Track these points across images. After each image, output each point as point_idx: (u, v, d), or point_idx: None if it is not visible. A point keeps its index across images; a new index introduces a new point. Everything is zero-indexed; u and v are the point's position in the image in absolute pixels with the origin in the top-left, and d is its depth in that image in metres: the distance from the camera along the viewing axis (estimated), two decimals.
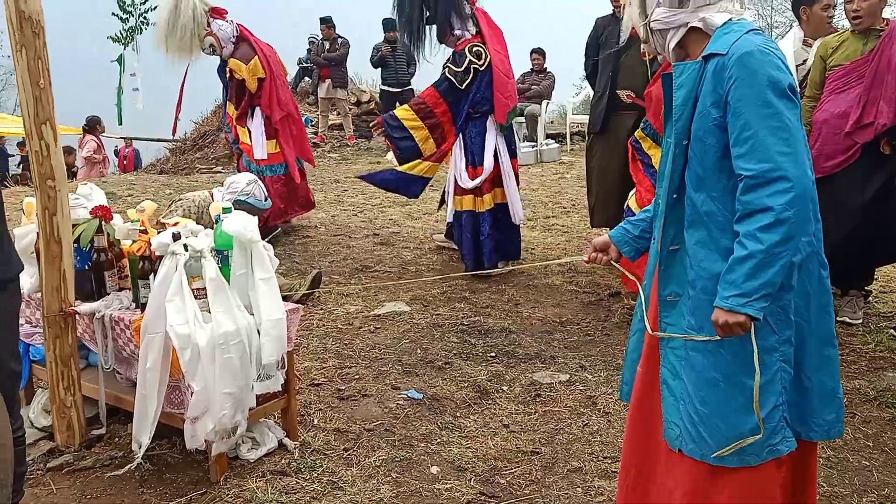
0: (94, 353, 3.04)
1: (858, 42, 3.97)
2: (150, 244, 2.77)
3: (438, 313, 4.63)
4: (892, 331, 4.13)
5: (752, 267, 1.80)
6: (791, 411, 1.98)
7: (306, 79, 14.13)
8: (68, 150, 11.71)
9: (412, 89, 11.45)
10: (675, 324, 2.04)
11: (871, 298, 4.64)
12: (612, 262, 2.37)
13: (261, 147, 6.24)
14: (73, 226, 2.90)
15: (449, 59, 5.26)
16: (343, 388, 3.60)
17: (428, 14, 5.24)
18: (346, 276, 5.37)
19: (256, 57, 6.15)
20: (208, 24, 6.10)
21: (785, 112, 1.82)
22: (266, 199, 4.70)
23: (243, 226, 2.76)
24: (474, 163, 5.24)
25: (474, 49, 5.16)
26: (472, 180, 5.20)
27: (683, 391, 2.00)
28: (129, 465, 2.76)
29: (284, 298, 4.42)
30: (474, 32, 5.27)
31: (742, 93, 1.83)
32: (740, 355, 1.91)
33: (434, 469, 2.90)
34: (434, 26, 5.26)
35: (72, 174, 11.72)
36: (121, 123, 16.79)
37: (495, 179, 5.29)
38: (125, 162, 15.74)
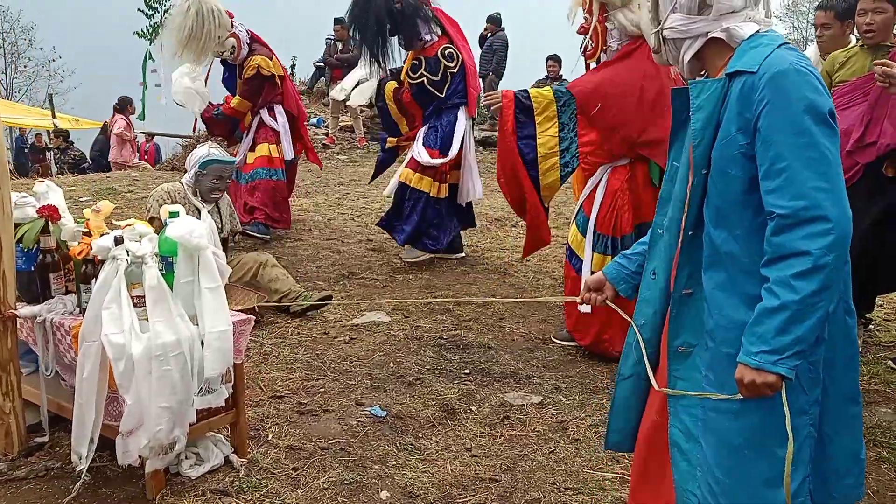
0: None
1: (866, 58, 3.76)
2: (91, 247, 2.65)
3: (419, 325, 4.48)
4: (890, 363, 3.91)
5: (785, 320, 1.57)
6: (813, 479, 1.76)
7: (322, 79, 14.06)
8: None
9: None
10: (688, 378, 1.82)
11: (871, 326, 4.41)
12: (608, 303, 2.16)
13: (289, 146, 6.30)
14: (18, 225, 2.79)
15: (422, 65, 5.30)
16: (305, 401, 3.46)
17: (390, 26, 5.30)
18: (330, 282, 5.24)
19: (275, 56, 6.22)
20: (231, 26, 6.03)
21: (823, 141, 1.59)
22: (231, 156, 4.71)
23: (189, 231, 2.63)
24: (437, 146, 5.37)
25: (446, 52, 5.27)
26: (432, 159, 5.35)
27: (701, 457, 1.78)
28: (78, 482, 2.63)
29: (286, 305, 4.41)
30: (440, 34, 5.34)
31: (774, 118, 1.60)
32: (770, 419, 1.68)
33: (384, 494, 2.75)
34: (396, 37, 5.39)
35: (81, 169, 11.77)
36: (143, 118, 16.88)
37: (454, 165, 5.49)
38: (146, 157, 15.81)
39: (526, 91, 4.02)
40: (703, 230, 1.78)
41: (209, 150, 4.26)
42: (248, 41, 6.18)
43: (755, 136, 1.65)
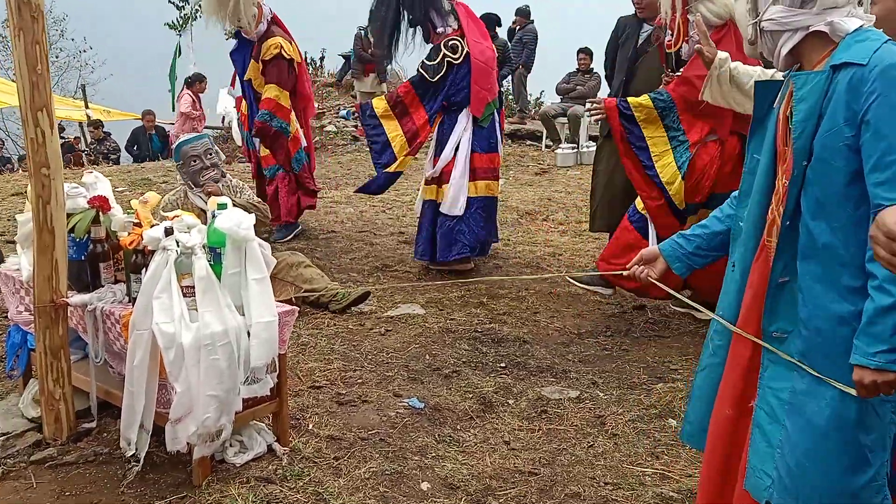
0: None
1: None
2: (142, 237, 2.70)
3: (453, 318, 4.50)
4: None
5: None
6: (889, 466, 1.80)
7: (351, 71, 14.11)
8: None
9: None
10: (781, 362, 1.84)
11: None
12: (652, 278, 2.19)
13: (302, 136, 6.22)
14: (69, 215, 2.85)
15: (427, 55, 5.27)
16: (344, 392, 3.49)
17: (410, 17, 5.22)
18: (364, 274, 5.28)
19: (293, 41, 6.06)
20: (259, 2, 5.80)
21: None
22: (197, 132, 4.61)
23: (237, 223, 2.66)
24: (438, 154, 5.22)
25: (450, 43, 5.14)
26: (433, 168, 5.24)
27: (783, 438, 1.81)
28: (131, 467, 2.72)
29: (322, 302, 4.41)
30: (455, 27, 5.23)
31: (885, 111, 1.61)
32: (860, 408, 1.71)
33: (424, 485, 2.78)
34: (414, 29, 5.27)
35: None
36: (174, 110, 17.06)
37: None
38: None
39: (625, 100, 4.14)
40: (801, 221, 1.78)
41: (178, 140, 4.12)
42: (269, 19, 5.95)
43: (860, 129, 1.66)
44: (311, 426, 3.16)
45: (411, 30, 5.27)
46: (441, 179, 5.23)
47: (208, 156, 3.99)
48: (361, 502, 2.65)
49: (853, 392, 1.69)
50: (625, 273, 2.28)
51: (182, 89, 12.40)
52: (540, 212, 7.27)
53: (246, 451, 2.87)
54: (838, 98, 1.69)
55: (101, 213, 2.88)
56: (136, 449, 2.69)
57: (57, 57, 32.89)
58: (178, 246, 2.63)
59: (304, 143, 6.19)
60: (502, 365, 3.87)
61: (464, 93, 5.15)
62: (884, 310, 1.60)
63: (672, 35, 4.04)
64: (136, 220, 2.84)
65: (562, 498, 2.73)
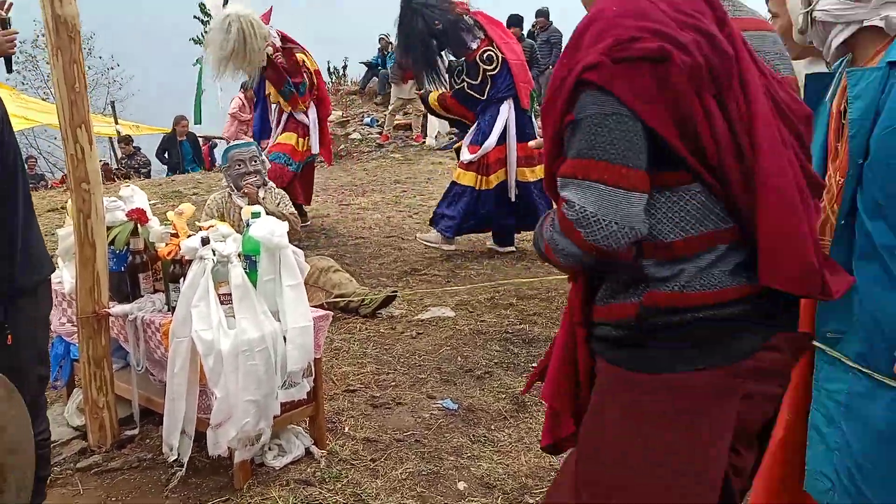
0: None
1: None
2: (180, 248, 2.77)
3: (483, 319, 4.53)
4: None
5: None
6: None
7: (374, 79, 14.22)
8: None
9: None
10: (836, 363, 1.80)
11: None
12: None
13: (316, 140, 6.41)
14: (109, 228, 2.93)
15: (462, 69, 5.57)
16: (378, 395, 3.54)
17: (437, 44, 5.54)
18: (393, 278, 5.33)
19: (308, 53, 6.34)
20: (267, 35, 5.98)
21: None
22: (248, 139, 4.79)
23: (271, 231, 2.73)
24: (478, 141, 5.57)
25: (485, 55, 5.47)
26: (470, 155, 5.59)
27: (841, 440, 1.76)
28: (176, 471, 2.80)
29: (351, 307, 4.49)
30: (482, 37, 5.54)
31: None
32: None
33: (461, 485, 2.81)
34: (446, 48, 5.64)
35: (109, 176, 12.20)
36: (199, 122, 17.30)
37: (502, 160, 5.64)
38: (208, 160, 16.21)
39: None
40: (857, 220, 1.74)
41: (226, 143, 4.35)
42: (281, 43, 6.14)
43: None
44: (347, 429, 3.21)
45: (445, 51, 5.64)
46: (487, 168, 5.60)
47: (253, 162, 4.28)
48: (399, 502, 2.68)
49: None
50: None
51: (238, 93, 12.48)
52: None
53: (285, 454, 2.92)
54: None
55: (139, 225, 2.96)
56: (179, 454, 2.75)
57: (85, 75, 33.57)
58: (214, 255, 2.69)
59: (315, 150, 6.44)
60: (534, 365, 3.88)
61: (510, 91, 5.56)
62: None
63: None
64: (174, 231, 2.91)
65: None
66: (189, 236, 2.82)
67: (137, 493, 2.74)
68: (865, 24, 1.73)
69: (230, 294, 2.67)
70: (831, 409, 1.79)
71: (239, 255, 2.73)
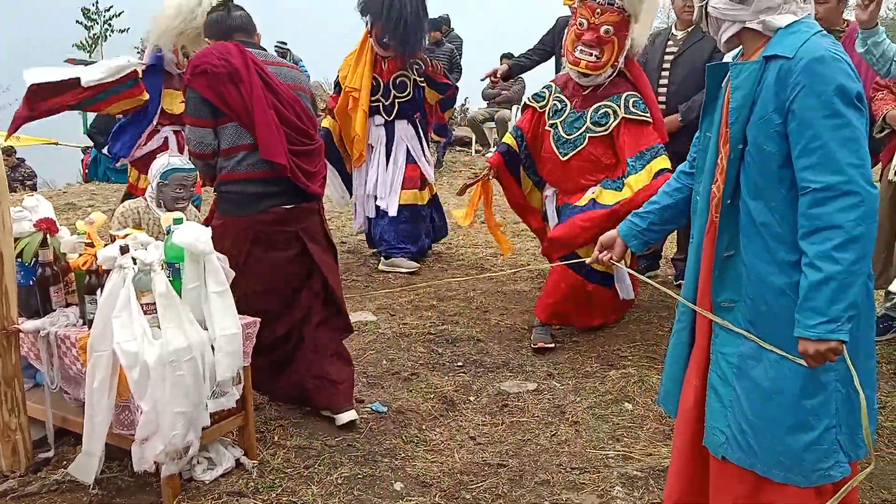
0: (42, 372, 2.90)
1: None
2: (96, 257, 2.65)
3: (405, 322, 4.53)
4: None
5: (835, 290, 1.72)
6: (845, 432, 1.90)
7: None
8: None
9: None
10: (730, 330, 1.97)
11: None
12: (614, 262, 2.31)
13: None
14: (16, 240, 2.76)
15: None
16: None
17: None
18: None
19: None
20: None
21: (854, 122, 1.75)
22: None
23: (195, 237, 2.65)
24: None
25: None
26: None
27: (733, 398, 1.94)
28: (93, 489, 2.67)
29: None
30: None
31: (810, 101, 1.75)
32: (802, 373, 1.84)
33: (398, 485, 2.81)
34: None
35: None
36: (87, 131, 16.46)
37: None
38: (87, 171, 15.39)
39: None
40: (741, 199, 1.92)
41: (169, 159, 4.10)
42: None
43: (788, 117, 1.80)
44: (276, 438, 3.14)
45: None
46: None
47: (189, 190, 4.06)
48: None
49: (803, 363, 1.82)
50: (588, 262, 2.39)
51: None
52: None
53: (214, 466, 2.83)
54: (768, 88, 1.84)
55: (48, 235, 2.80)
56: (84, 474, 2.62)
57: None
58: (134, 263, 2.59)
59: None
60: (459, 364, 3.93)
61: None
62: (817, 284, 1.75)
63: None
64: (88, 241, 2.78)
65: (532, 486, 2.81)
66: (105, 245, 2.70)
67: None
68: (747, 24, 1.92)
69: (154, 303, 2.57)
70: (725, 371, 1.98)
71: (162, 263, 2.63)
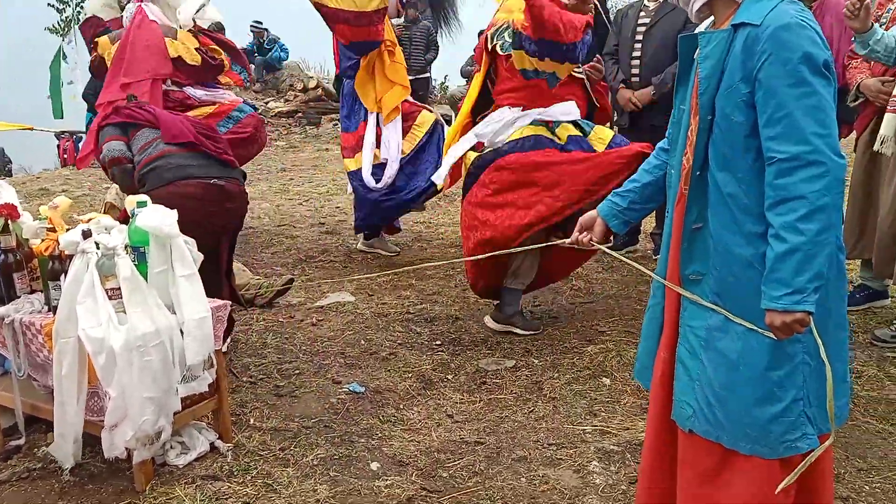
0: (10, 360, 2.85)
1: None
2: (58, 243, 2.59)
3: (384, 302, 4.51)
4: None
5: (800, 261, 1.69)
6: (815, 405, 1.87)
7: (250, 66, 13.78)
8: None
9: (428, 77, 10.83)
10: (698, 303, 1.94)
11: None
12: (594, 243, 2.26)
13: None
14: None
15: None
16: (282, 384, 3.46)
17: None
18: (288, 267, 5.21)
19: None
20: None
21: (820, 90, 1.71)
22: None
23: (160, 220, 2.60)
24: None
25: None
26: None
27: (701, 371, 1.92)
28: (64, 475, 2.64)
29: (247, 298, 4.30)
30: None
31: (776, 70, 1.71)
32: (768, 345, 1.82)
33: (374, 465, 2.79)
34: None
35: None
36: (60, 117, 16.18)
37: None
38: (65, 155, 15.15)
39: None
40: (709, 170, 1.88)
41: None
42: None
43: (755, 86, 1.76)
44: (252, 420, 3.12)
45: None
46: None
47: None
48: (313, 488, 2.64)
49: (770, 335, 1.81)
50: (567, 243, 2.34)
51: None
52: (458, 193, 7.32)
53: (188, 451, 2.80)
54: (735, 56, 1.80)
55: (9, 221, 2.74)
56: (62, 461, 2.59)
57: None
58: (98, 248, 2.54)
59: None
60: (438, 342, 3.91)
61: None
62: (782, 255, 1.72)
63: None
64: (50, 226, 2.72)
65: (509, 463, 2.80)
66: (68, 230, 2.64)
67: None
68: None
69: (119, 288, 2.52)
70: (693, 343, 1.95)
71: (126, 247, 2.58)
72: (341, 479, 2.70)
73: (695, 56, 1.99)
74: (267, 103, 13.03)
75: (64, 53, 15.94)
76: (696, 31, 1.98)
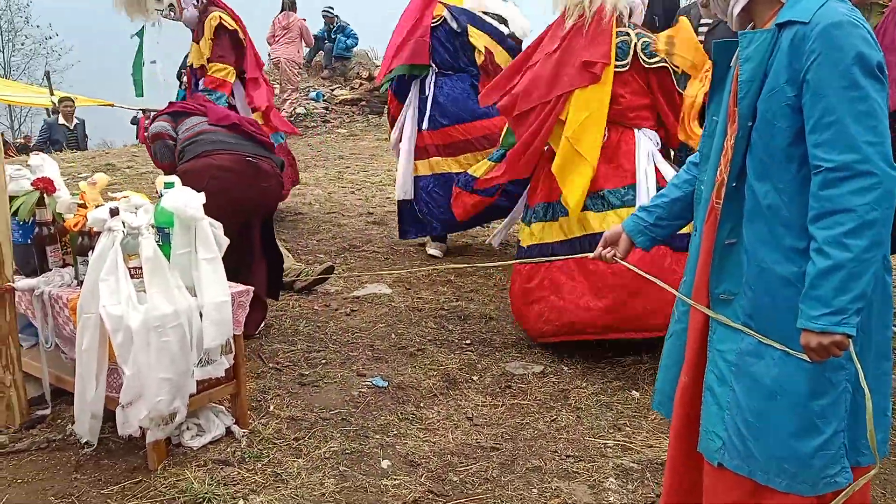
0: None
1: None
2: (87, 219, 2.63)
3: (420, 296, 4.46)
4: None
5: (843, 279, 1.57)
6: (847, 436, 1.75)
7: (320, 52, 13.93)
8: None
9: None
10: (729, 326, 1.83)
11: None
12: (617, 258, 2.15)
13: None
14: (12, 198, 2.77)
15: None
16: (307, 373, 3.45)
17: None
18: (331, 255, 5.22)
19: (235, 14, 5.56)
20: None
21: (873, 94, 1.58)
22: None
23: (185, 202, 2.61)
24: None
25: None
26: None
27: (731, 399, 1.79)
28: (88, 451, 2.69)
29: (288, 283, 4.33)
30: None
31: (825, 71, 1.59)
32: (809, 371, 1.69)
33: (385, 463, 2.75)
34: None
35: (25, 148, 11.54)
36: (140, 95, 16.68)
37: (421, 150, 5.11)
38: (145, 134, 15.58)
39: None
40: (746, 182, 1.76)
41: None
42: (203, 1, 5.48)
43: (803, 88, 1.63)
44: (272, 408, 3.12)
45: None
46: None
47: None
48: (320, 482, 2.62)
49: (805, 357, 1.67)
50: (591, 257, 2.24)
51: None
52: None
53: (203, 433, 2.82)
54: (781, 57, 1.67)
55: (45, 195, 2.80)
56: (88, 437, 2.63)
57: (23, 44, 32.22)
58: (124, 226, 2.56)
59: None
60: (468, 342, 3.85)
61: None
62: (824, 272, 1.59)
63: None
64: (81, 202, 2.76)
65: (522, 472, 2.72)
66: (98, 206, 2.68)
67: (45, 474, 2.61)
68: None
69: (141, 268, 2.55)
70: (723, 369, 1.83)
71: (151, 227, 2.60)
72: (350, 475, 2.67)
73: (731, 62, 1.87)
74: (333, 90, 13.15)
75: (145, 33, 16.45)
76: (733, 39, 1.86)
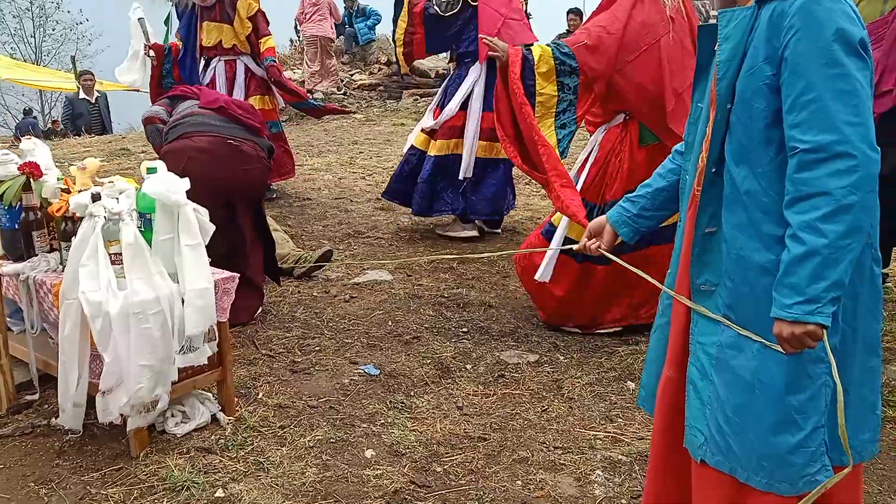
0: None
1: (878, 1, 3.55)
2: (69, 204, 2.61)
3: (420, 283, 4.42)
4: None
5: (817, 266, 1.48)
6: (829, 432, 1.68)
7: (340, 37, 13.88)
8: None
9: None
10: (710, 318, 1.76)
11: (888, 282, 4.26)
12: (602, 251, 2.10)
13: (277, 93, 6.00)
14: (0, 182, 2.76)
15: None
16: (299, 360, 3.43)
17: None
18: (335, 241, 5.19)
19: None
20: None
21: (854, 73, 1.49)
22: None
23: (167, 188, 2.58)
24: (442, 105, 5.08)
25: None
26: (433, 120, 5.09)
27: (713, 394, 1.73)
28: (71, 437, 2.70)
29: (286, 269, 4.32)
30: None
31: (804, 47, 1.50)
32: (787, 363, 1.62)
33: (369, 453, 2.72)
34: None
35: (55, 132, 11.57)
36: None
37: (455, 129, 5.03)
38: None
39: (529, 47, 3.63)
40: (725, 168, 1.69)
41: None
42: None
43: (781, 67, 1.55)
44: (260, 395, 3.10)
45: None
46: (436, 133, 5.08)
47: None
48: (301, 471, 2.59)
49: (778, 348, 1.60)
50: (575, 249, 2.19)
51: None
52: (521, 177, 7.13)
53: (188, 420, 2.81)
54: (760, 34, 1.59)
55: (32, 179, 2.79)
56: (72, 423, 2.63)
57: (53, 30, 32.58)
58: (105, 212, 2.54)
59: (281, 104, 6.14)
60: (465, 330, 3.80)
61: (473, 42, 4.88)
62: (797, 259, 1.51)
63: None
64: (65, 187, 2.75)
65: (508, 463, 2.67)
66: (80, 191, 2.66)
67: (27, 460, 2.62)
68: None
69: (121, 254, 2.53)
70: (704, 363, 1.76)
71: (132, 213, 2.58)
72: (332, 464, 2.64)
73: (715, 48, 1.78)
74: (352, 75, 13.11)
75: (171, 19, 16.51)
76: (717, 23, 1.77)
